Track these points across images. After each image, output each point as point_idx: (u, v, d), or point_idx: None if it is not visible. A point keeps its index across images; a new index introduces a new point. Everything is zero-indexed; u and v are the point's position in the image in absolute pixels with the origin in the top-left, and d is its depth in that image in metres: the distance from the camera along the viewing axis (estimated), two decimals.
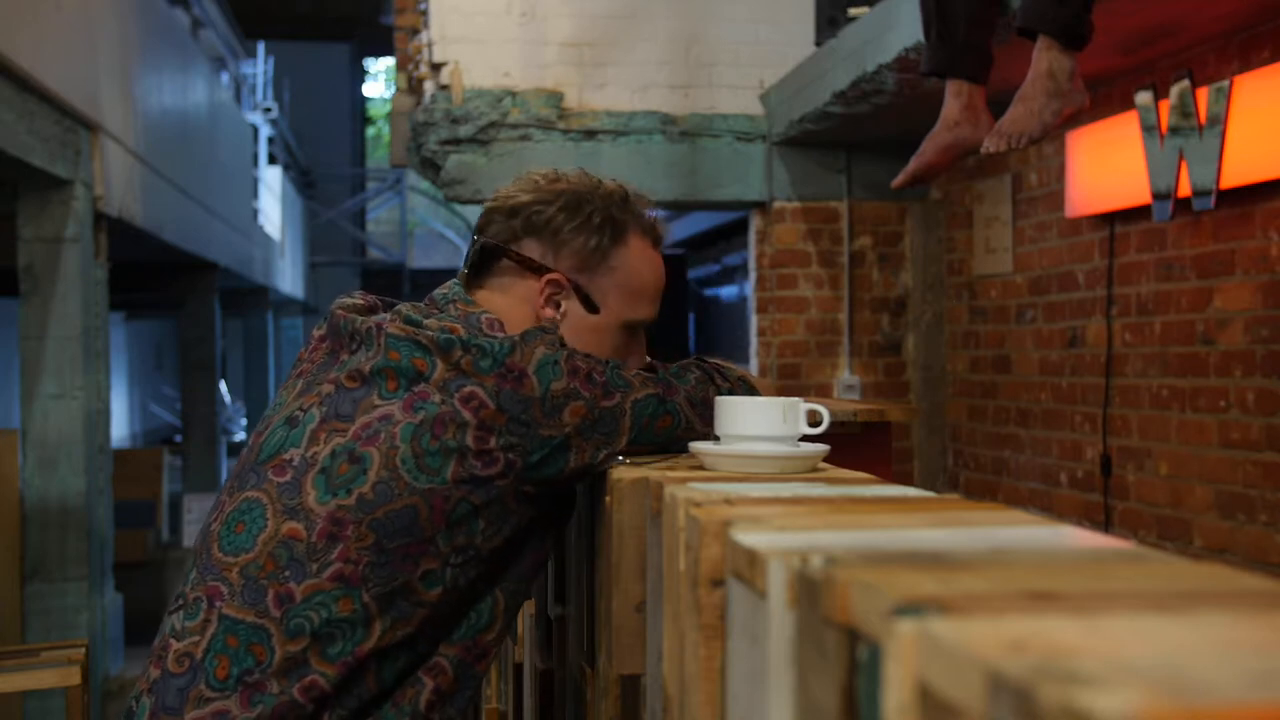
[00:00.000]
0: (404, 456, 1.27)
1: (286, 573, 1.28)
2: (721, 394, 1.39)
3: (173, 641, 1.30)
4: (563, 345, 1.34)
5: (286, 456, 1.33)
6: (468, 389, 1.28)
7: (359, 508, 1.27)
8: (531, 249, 1.45)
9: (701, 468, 1.18)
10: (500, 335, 1.32)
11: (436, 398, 1.29)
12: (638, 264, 1.48)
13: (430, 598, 1.29)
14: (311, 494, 1.29)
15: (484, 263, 1.47)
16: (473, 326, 1.35)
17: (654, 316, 1.51)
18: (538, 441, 1.29)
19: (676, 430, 1.37)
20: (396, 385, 1.31)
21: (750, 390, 1.46)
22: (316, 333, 1.46)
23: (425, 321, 1.35)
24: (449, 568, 1.29)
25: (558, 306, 1.45)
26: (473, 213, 14.92)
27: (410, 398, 1.30)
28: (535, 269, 1.45)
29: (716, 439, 1.28)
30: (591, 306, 1.45)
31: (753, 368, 5.33)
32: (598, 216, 1.46)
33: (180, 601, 1.33)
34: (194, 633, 1.29)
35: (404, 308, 1.40)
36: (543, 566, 1.44)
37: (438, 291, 1.46)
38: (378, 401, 1.31)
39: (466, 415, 1.28)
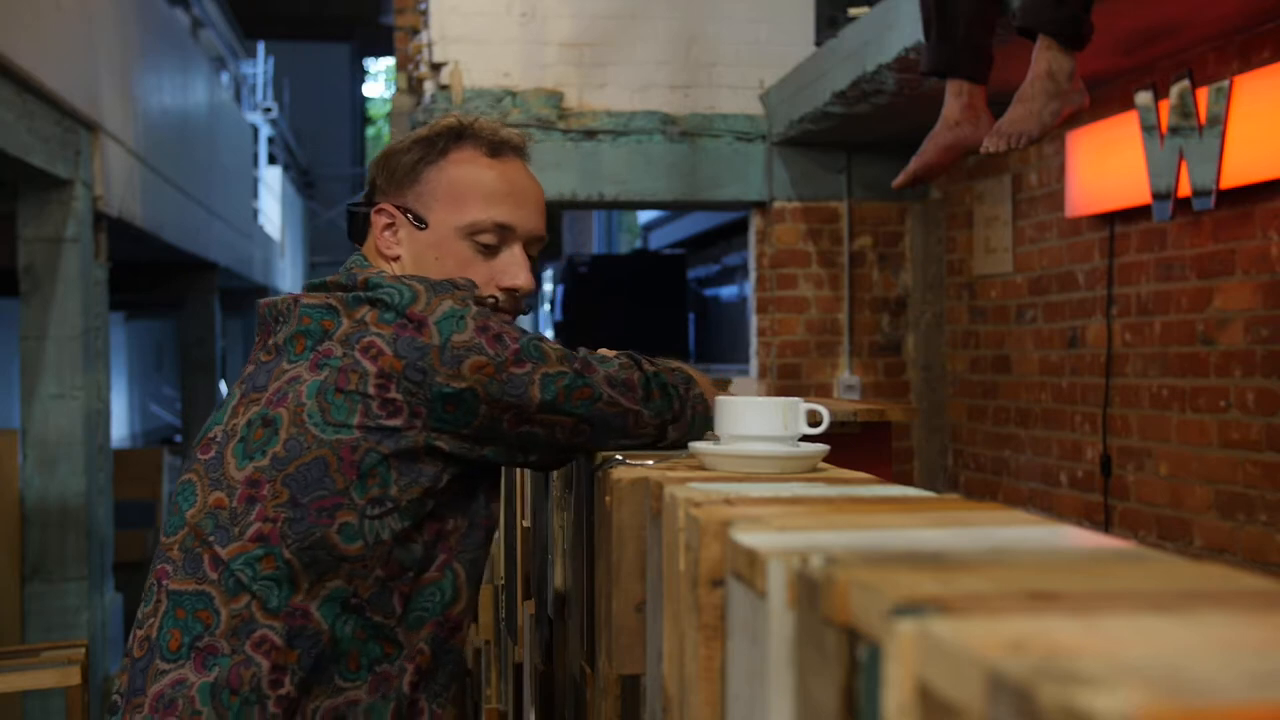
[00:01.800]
0: (310, 411, 1.30)
1: (212, 538, 1.32)
2: (647, 377, 1.38)
3: (136, 631, 1.36)
4: (478, 304, 1.35)
5: (211, 435, 1.38)
6: (367, 339, 1.31)
7: (273, 466, 1.31)
8: (377, 197, 1.50)
9: (702, 468, 1.18)
10: (406, 284, 1.33)
11: (339, 352, 1.32)
12: (458, 170, 1.46)
13: (351, 551, 1.30)
14: (231, 463, 1.33)
15: (355, 227, 1.52)
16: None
17: (507, 222, 1.46)
18: (436, 390, 1.30)
19: (597, 403, 1.34)
20: (303, 347, 1.35)
21: (686, 379, 1.43)
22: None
23: (332, 281, 1.40)
24: (366, 520, 1.31)
25: (395, 233, 1.47)
26: None
27: (315, 356, 1.33)
28: (369, 200, 1.49)
29: (669, 421, 1.32)
30: (420, 222, 1.46)
31: (752, 368, 5.33)
32: (420, 133, 1.49)
33: (142, 594, 1.39)
34: (149, 616, 1.35)
35: (315, 280, 1.44)
36: (492, 534, 1.44)
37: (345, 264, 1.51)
38: (286, 366, 1.35)
39: (366, 364, 1.30)
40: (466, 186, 1.46)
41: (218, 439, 1.36)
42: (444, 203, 1.45)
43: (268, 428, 1.32)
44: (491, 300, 1.44)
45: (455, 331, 1.30)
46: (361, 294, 1.34)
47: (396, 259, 1.46)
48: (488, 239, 1.45)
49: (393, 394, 1.30)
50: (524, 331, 1.36)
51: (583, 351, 1.39)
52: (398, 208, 1.46)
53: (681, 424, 1.39)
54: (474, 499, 1.40)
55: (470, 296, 1.35)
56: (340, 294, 1.36)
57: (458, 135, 1.48)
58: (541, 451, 1.37)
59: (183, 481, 1.38)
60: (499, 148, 1.49)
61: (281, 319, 1.40)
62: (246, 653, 1.28)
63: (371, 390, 1.30)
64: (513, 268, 1.47)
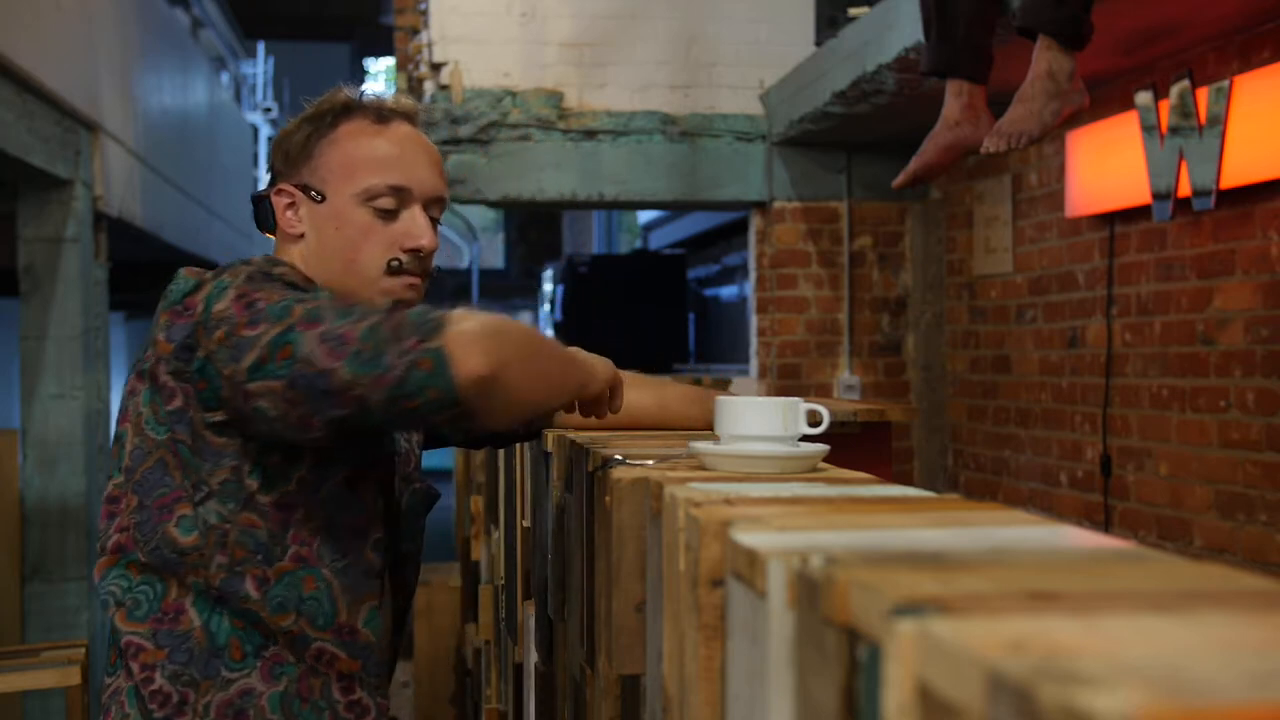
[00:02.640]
0: (147, 419, 1.34)
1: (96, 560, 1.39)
2: (370, 327, 1.19)
3: None
4: (253, 279, 1.30)
5: None
6: (154, 335, 1.33)
7: (126, 480, 1.35)
8: (278, 181, 1.50)
9: (702, 468, 1.18)
10: (200, 275, 1.33)
11: (150, 354, 1.34)
12: (349, 140, 1.46)
13: (188, 543, 1.33)
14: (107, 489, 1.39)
15: (261, 217, 1.52)
16: None
17: (402, 183, 1.45)
18: (194, 365, 1.29)
19: (296, 364, 1.19)
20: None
21: (433, 327, 1.19)
22: None
23: None
24: (196, 509, 1.33)
25: (296, 212, 1.47)
26: (473, 213, 14.92)
27: (137, 366, 1.36)
28: (270, 189, 1.49)
29: (366, 380, 1.16)
30: (318, 196, 1.45)
31: (752, 368, 5.33)
32: (307, 112, 1.49)
33: None
34: None
35: None
36: (368, 539, 1.39)
37: None
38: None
39: (154, 358, 1.33)
40: (358, 154, 1.45)
41: None
42: (338, 173, 1.45)
43: (118, 444, 1.37)
44: (395, 263, 1.44)
45: (216, 302, 1.27)
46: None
47: (300, 236, 1.47)
48: (385, 203, 1.44)
49: (164, 378, 1.32)
50: (296, 293, 1.27)
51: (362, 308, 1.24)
52: (295, 186, 1.47)
53: (382, 383, 1.16)
54: (320, 490, 1.35)
55: (249, 270, 1.33)
56: None
57: (345, 109, 1.48)
58: (283, 430, 1.23)
59: None
60: (387, 115, 1.49)
61: None
62: (131, 656, 1.34)
63: (160, 380, 1.32)
64: (414, 229, 1.46)
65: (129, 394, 1.36)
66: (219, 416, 1.30)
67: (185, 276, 1.33)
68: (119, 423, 1.37)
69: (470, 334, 1.18)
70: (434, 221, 1.49)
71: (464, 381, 1.16)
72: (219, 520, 1.33)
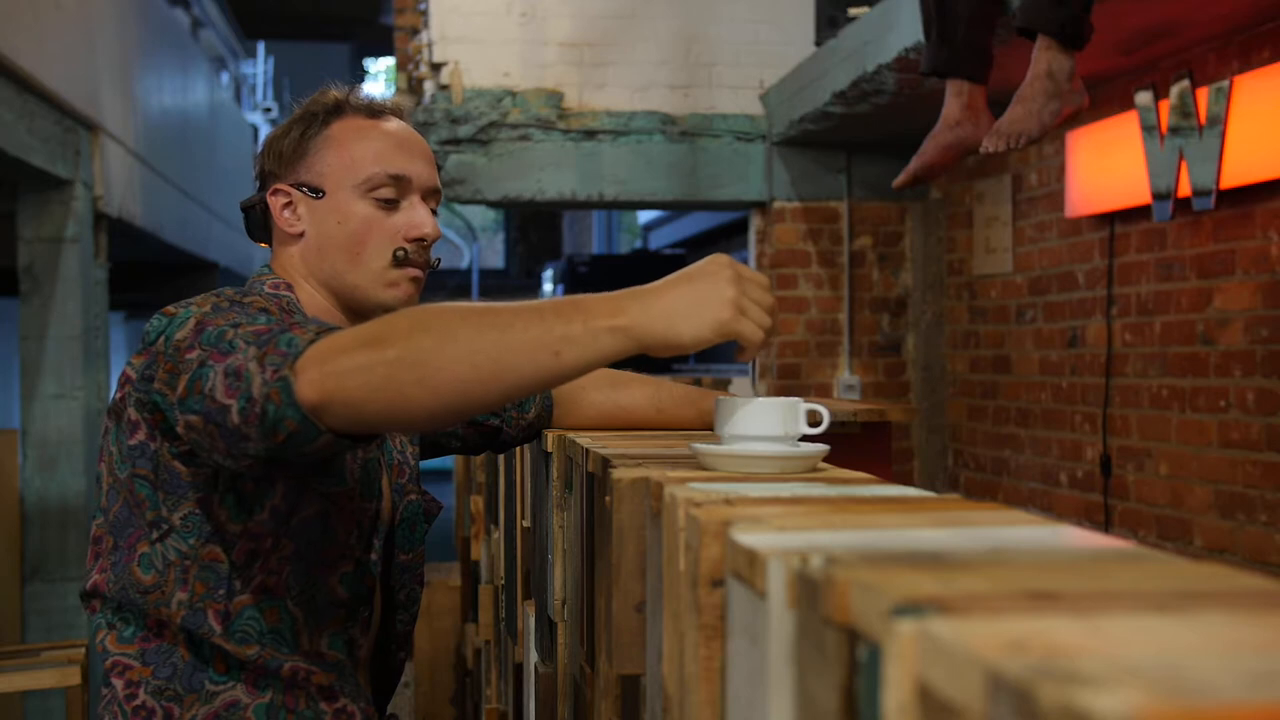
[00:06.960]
0: (117, 459, 1.33)
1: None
2: (258, 358, 1.11)
3: None
4: (218, 307, 1.24)
5: None
6: (124, 374, 1.32)
7: (105, 520, 1.35)
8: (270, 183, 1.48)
9: (702, 468, 1.18)
10: (173, 311, 1.27)
11: (119, 392, 1.33)
12: (344, 135, 1.45)
13: (148, 581, 1.32)
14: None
15: (252, 225, 1.51)
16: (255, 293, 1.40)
17: (401, 172, 1.43)
18: (152, 396, 1.27)
19: (207, 399, 1.15)
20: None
21: (288, 352, 1.09)
22: None
23: None
24: (154, 546, 1.32)
25: (294, 211, 1.45)
26: (473, 213, 14.92)
27: (109, 405, 1.35)
28: (263, 191, 1.48)
29: (242, 420, 1.10)
30: (316, 192, 1.44)
31: (752, 368, 5.32)
32: (296, 114, 1.48)
33: None
34: None
35: None
36: (333, 566, 1.38)
37: None
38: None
39: (121, 395, 1.32)
40: (355, 146, 1.44)
41: None
42: (335, 168, 1.44)
43: (98, 485, 1.37)
44: (401, 253, 1.43)
45: (177, 331, 1.22)
46: None
47: (300, 235, 1.45)
48: (386, 193, 1.43)
49: (128, 411, 1.31)
50: (264, 317, 1.20)
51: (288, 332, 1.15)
52: (292, 185, 1.45)
53: (252, 419, 1.10)
54: (291, 519, 1.34)
55: (227, 299, 1.28)
56: None
57: (336, 108, 1.47)
58: (221, 460, 1.20)
59: None
60: (378, 110, 1.49)
61: None
62: (110, 681, 1.35)
63: (125, 415, 1.32)
64: (416, 218, 1.45)
65: (103, 434, 1.36)
66: (177, 444, 1.28)
67: (160, 316, 1.29)
68: (98, 463, 1.36)
69: (313, 356, 1.08)
70: (431, 213, 1.49)
71: (308, 410, 1.07)
72: (179, 556, 1.31)
